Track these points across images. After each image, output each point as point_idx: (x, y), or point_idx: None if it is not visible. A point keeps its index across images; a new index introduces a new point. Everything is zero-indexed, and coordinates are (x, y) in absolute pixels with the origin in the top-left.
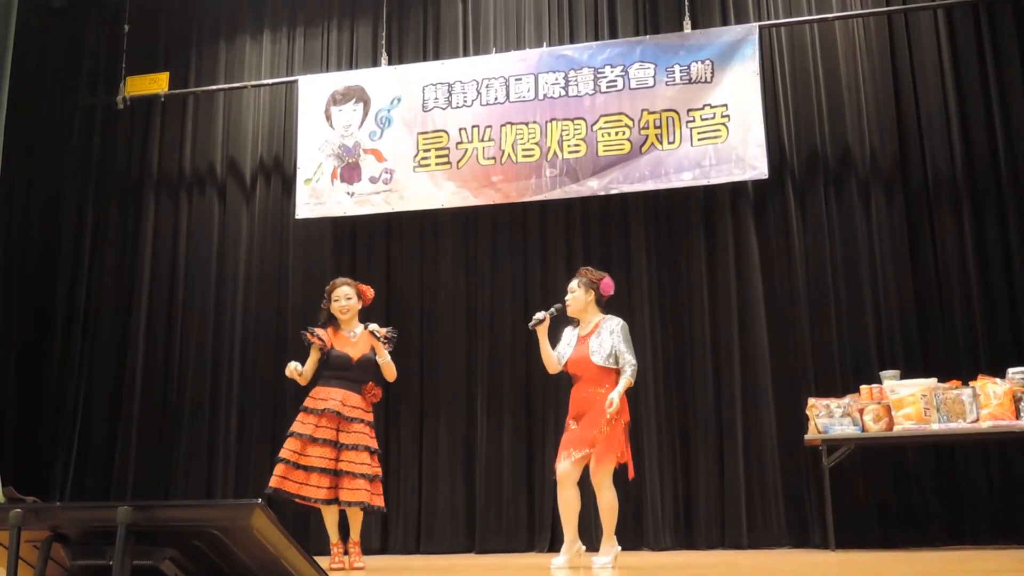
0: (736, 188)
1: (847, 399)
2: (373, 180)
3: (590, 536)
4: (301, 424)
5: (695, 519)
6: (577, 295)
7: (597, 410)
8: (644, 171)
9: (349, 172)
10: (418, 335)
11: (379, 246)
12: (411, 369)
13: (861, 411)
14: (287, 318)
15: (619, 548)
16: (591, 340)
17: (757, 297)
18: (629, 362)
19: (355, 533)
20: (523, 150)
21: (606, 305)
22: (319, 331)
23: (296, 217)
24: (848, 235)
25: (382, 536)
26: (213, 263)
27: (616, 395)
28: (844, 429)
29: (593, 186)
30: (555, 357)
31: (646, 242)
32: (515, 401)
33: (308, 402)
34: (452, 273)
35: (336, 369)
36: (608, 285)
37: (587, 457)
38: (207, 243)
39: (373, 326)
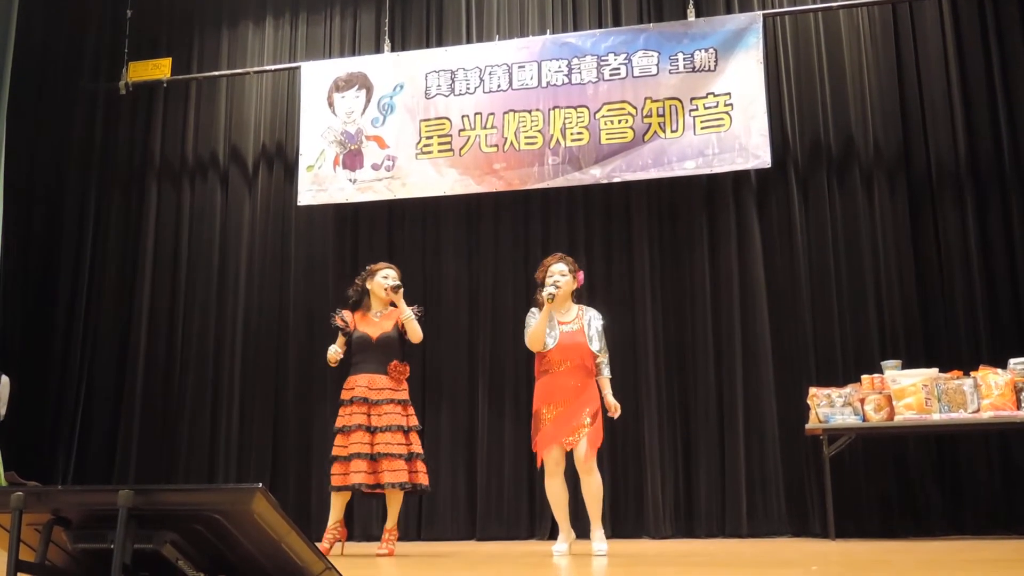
0: (739, 177)
1: (848, 388)
2: (375, 167)
3: (574, 522)
4: (339, 418)
5: (695, 508)
6: (568, 280)
7: (586, 398)
8: (647, 159)
9: (351, 159)
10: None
11: (381, 233)
12: (413, 356)
13: (862, 401)
14: (289, 304)
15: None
16: (584, 327)
17: (759, 286)
18: (607, 359)
19: (391, 519)
20: (526, 138)
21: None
22: (345, 313)
23: (298, 204)
24: (851, 224)
25: (382, 523)
26: (215, 250)
27: (612, 398)
28: (845, 419)
29: (596, 174)
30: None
31: (648, 230)
32: (517, 390)
33: (342, 394)
34: (454, 260)
35: (359, 352)
36: (582, 277)
37: (574, 445)
38: (209, 230)
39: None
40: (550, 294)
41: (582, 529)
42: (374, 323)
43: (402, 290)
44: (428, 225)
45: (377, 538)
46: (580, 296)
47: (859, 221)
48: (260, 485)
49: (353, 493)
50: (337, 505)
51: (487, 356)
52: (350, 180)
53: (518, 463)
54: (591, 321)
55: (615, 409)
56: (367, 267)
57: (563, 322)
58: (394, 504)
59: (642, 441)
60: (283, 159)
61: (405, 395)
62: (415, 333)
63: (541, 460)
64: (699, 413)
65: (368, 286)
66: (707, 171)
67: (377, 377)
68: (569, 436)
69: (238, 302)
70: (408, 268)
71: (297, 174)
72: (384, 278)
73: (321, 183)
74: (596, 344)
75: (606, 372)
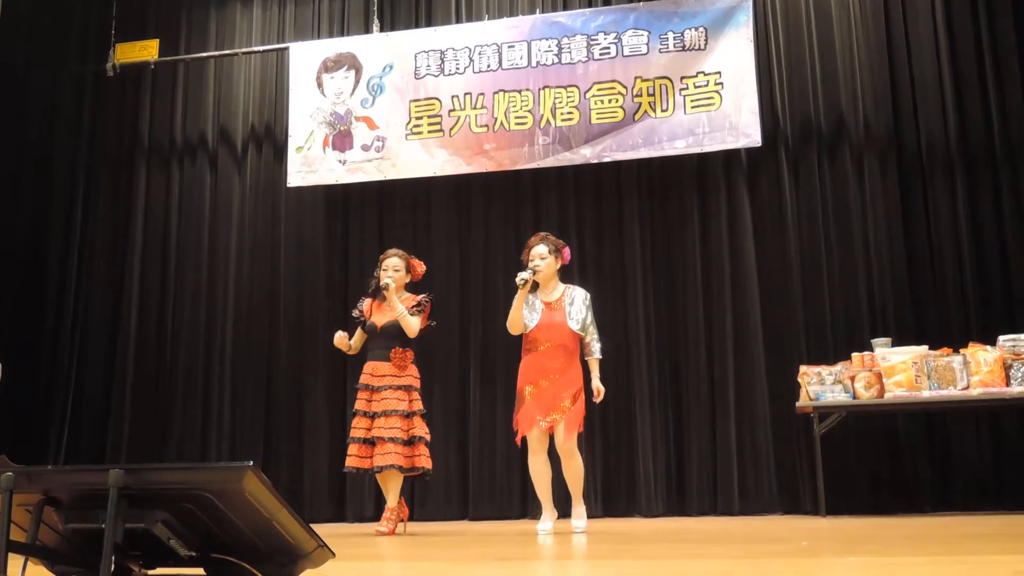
0: (729, 156)
1: (838, 366)
2: (365, 148)
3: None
4: (356, 401)
5: (687, 486)
6: (549, 261)
7: (567, 378)
8: (637, 139)
9: (341, 140)
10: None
11: (371, 214)
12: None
13: (852, 378)
14: (279, 286)
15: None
16: (565, 307)
17: (750, 264)
18: (597, 339)
19: (390, 499)
20: (516, 118)
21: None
22: (366, 301)
23: (288, 185)
24: (841, 203)
25: (376, 503)
26: (205, 231)
27: (599, 383)
28: (835, 396)
29: (586, 154)
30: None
31: (639, 210)
32: (508, 371)
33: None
34: (445, 241)
35: (370, 340)
36: (568, 253)
37: (555, 424)
38: (199, 212)
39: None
40: (522, 279)
41: (568, 509)
42: (385, 311)
43: (392, 286)
44: (418, 206)
45: (371, 519)
46: (570, 275)
47: (849, 199)
48: (251, 463)
49: (361, 474)
50: (387, 487)
51: (478, 337)
52: (340, 161)
53: (509, 444)
54: (574, 301)
55: (599, 393)
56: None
57: (547, 302)
58: (392, 486)
59: (634, 420)
60: (272, 141)
61: (409, 380)
62: (408, 327)
63: (521, 437)
64: (690, 392)
65: (378, 275)
66: (697, 150)
67: (380, 364)
68: (547, 416)
69: (228, 284)
70: (398, 248)
71: (286, 155)
72: (384, 270)
73: (311, 164)
74: (576, 324)
75: (595, 353)
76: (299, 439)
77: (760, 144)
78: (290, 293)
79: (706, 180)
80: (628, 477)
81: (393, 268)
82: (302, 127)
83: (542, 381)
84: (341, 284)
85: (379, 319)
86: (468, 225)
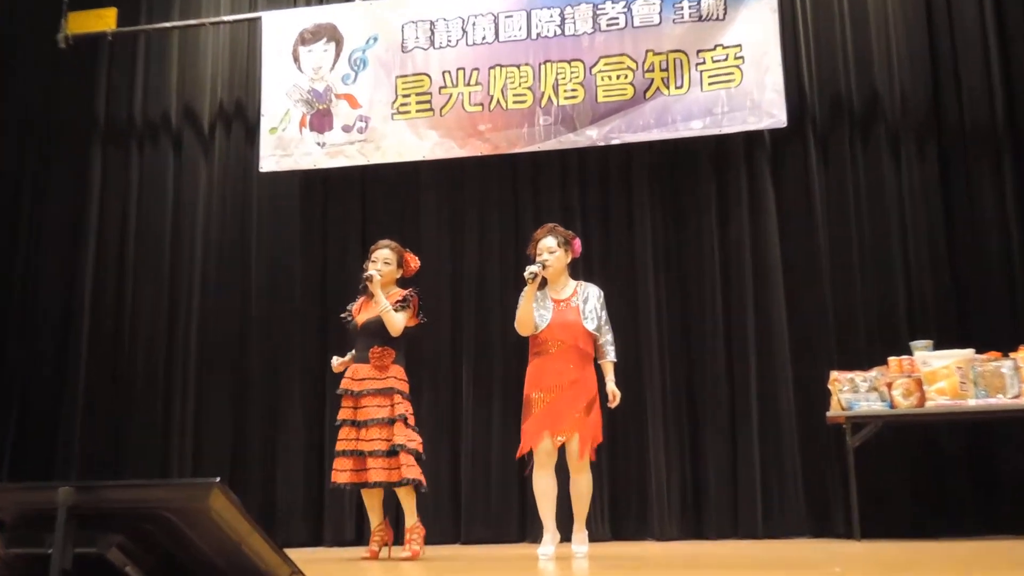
0: (751, 137)
1: (874, 372)
2: (346, 129)
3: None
4: (340, 410)
5: (704, 506)
6: (558, 255)
7: (582, 385)
8: (649, 119)
9: (319, 120)
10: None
11: (353, 203)
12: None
13: (889, 385)
14: (250, 282)
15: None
16: (578, 305)
17: (774, 258)
18: (612, 340)
19: (408, 518)
20: (514, 96)
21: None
22: (359, 300)
23: (260, 170)
24: (875, 189)
25: (357, 524)
26: (168, 221)
27: (615, 386)
28: (870, 405)
29: (592, 136)
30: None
31: (651, 198)
32: (505, 376)
33: None
34: (435, 233)
35: (354, 341)
36: (579, 246)
37: (567, 438)
38: (161, 199)
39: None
40: (531, 273)
41: (569, 532)
42: (372, 308)
43: (377, 278)
44: (406, 193)
45: (351, 543)
46: (575, 270)
47: (885, 185)
48: (218, 479)
49: (352, 490)
50: (368, 505)
51: (472, 339)
52: (318, 144)
53: (507, 458)
54: (588, 298)
55: (614, 397)
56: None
57: (557, 300)
58: (404, 502)
59: (645, 432)
60: (243, 121)
61: (391, 383)
62: (390, 324)
63: (526, 449)
64: (708, 401)
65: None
66: (716, 131)
67: (360, 366)
68: (561, 427)
69: (194, 279)
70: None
71: (259, 137)
72: (373, 262)
73: (286, 147)
74: (591, 323)
75: (610, 355)
76: (272, 452)
77: (785, 124)
78: (262, 290)
79: (725, 164)
80: (639, 495)
81: (383, 260)
82: (276, 106)
83: (553, 387)
84: (319, 280)
85: (362, 317)
86: (461, 215)
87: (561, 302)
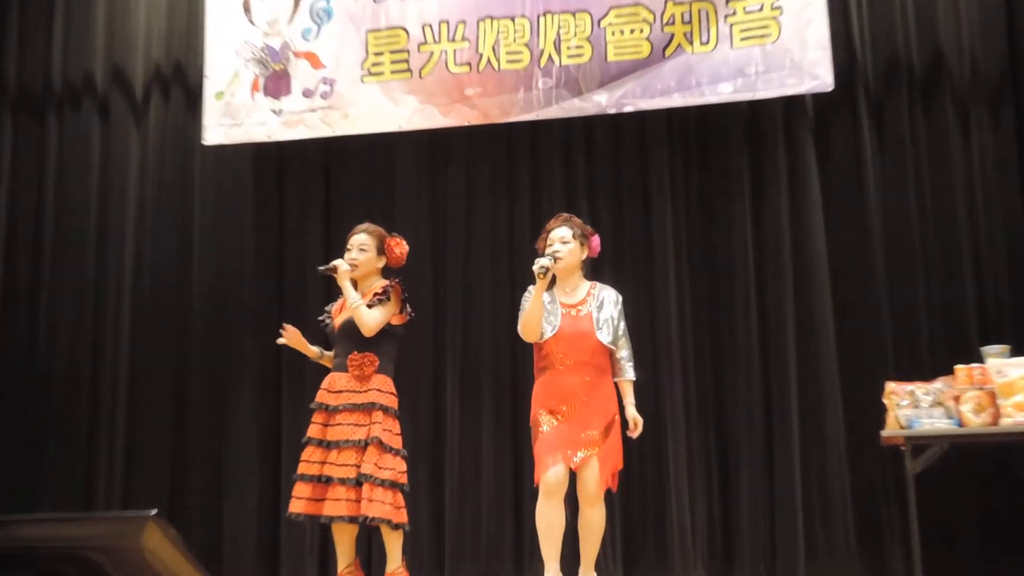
0: (791, 103)
1: (938, 384)
2: (307, 94)
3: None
4: (309, 426)
5: (736, 542)
6: (572, 248)
7: (598, 403)
8: (669, 81)
9: (275, 83)
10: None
11: (316, 181)
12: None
13: (957, 399)
14: (192, 273)
15: None
16: (592, 311)
17: (818, 247)
18: (629, 356)
19: (390, 560)
20: (508, 54)
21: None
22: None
23: (204, 143)
24: (940, 167)
25: (321, 560)
26: (93, 201)
27: (635, 412)
28: (934, 423)
29: (601, 101)
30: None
31: (671, 176)
32: (498, 387)
33: None
34: (413, 217)
35: (332, 346)
36: (598, 244)
37: (586, 462)
38: (84, 177)
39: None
40: (542, 267)
41: (573, 570)
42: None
43: (343, 268)
44: (379, 170)
45: None
46: (586, 265)
47: (951, 162)
48: (154, 512)
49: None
50: (337, 540)
51: (458, 343)
52: (274, 111)
53: (498, 483)
54: (604, 304)
55: (636, 425)
56: None
57: (568, 304)
58: (386, 542)
59: (664, 457)
60: (183, 84)
61: (373, 396)
62: (360, 321)
63: (544, 472)
64: (739, 418)
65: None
66: (749, 96)
67: (338, 376)
68: (575, 452)
69: (124, 270)
70: (351, 225)
71: (202, 103)
72: (348, 250)
73: (235, 115)
74: (607, 334)
75: (628, 374)
76: (218, 477)
77: (832, 88)
78: (207, 282)
79: (760, 135)
80: (657, 531)
81: (358, 247)
82: (223, 66)
83: (563, 408)
84: (274, 273)
85: (340, 318)
86: (444, 196)
87: (572, 307)
